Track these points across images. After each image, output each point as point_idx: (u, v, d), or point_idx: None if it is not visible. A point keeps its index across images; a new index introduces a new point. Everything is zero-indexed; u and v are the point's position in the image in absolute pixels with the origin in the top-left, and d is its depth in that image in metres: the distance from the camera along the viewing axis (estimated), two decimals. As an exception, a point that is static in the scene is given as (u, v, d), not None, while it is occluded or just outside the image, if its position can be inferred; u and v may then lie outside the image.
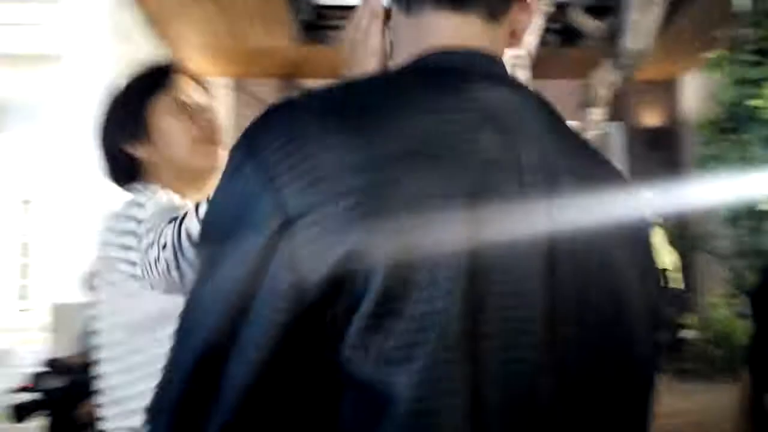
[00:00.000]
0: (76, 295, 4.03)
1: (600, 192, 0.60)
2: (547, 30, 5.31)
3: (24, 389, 2.68)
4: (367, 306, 0.47)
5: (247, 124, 0.58)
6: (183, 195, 1.12)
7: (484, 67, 0.61)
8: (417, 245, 0.48)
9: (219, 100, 6.48)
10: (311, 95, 0.56)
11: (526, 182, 0.54)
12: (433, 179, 0.50)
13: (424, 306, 0.48)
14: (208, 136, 1.16)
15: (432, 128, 0.53)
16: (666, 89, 7.51)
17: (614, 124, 6.92)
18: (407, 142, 0.51)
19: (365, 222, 0.47)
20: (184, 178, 1.15)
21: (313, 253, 0.47)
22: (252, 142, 0.53)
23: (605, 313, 0.56)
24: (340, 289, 0.47)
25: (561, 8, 5.19)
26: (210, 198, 0.55)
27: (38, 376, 2.71)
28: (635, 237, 0.64)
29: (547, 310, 0.52)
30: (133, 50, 5.14)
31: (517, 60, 3.76)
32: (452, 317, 0.48)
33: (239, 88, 6.55)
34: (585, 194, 0.58)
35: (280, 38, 5.54)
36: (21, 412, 2.58)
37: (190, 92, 1.16)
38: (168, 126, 1.13)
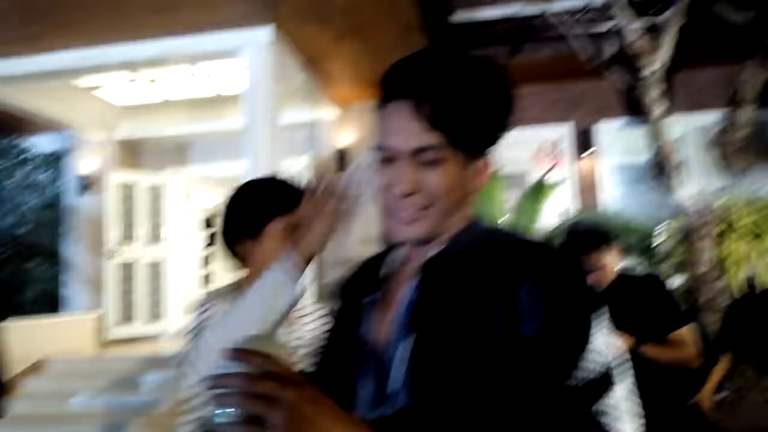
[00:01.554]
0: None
1: None
2: (692, 21, 5.20)
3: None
4: None
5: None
6: None
7: None
8: None
9: (365, 123, 7.02)
10: None
11: None
12: None
13: None
14: None
15: None
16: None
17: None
18: None
19: None
20: None
21: None
22: None
23: None
24: None
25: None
26: None
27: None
28: None
29: None
30: (292, 87, 5.81)
31: (653, 75, 3.81)
32: None
33: (383, 109, 7.02)
34: None
35: (419, 62, 5.93)
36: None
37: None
38: (271, 251, 1.39)
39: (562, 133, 6.89)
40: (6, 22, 4.83)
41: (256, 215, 1.45)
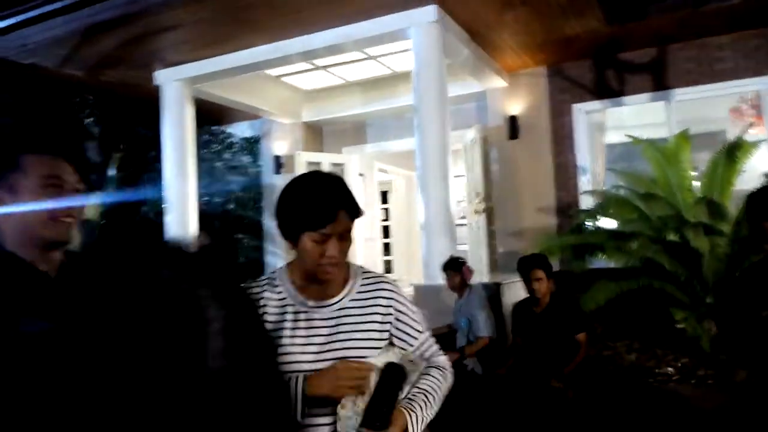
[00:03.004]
0: (437, 278, 4.88)
1: None
2: None
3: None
4: None
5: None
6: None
7: None
8: None
9: (536, 87, 6.84)
10: None
11: None
12: None
13: None
14: None
15: None
16: None
17: None
18: None
19: None
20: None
21: None
22: None
23: None
24: None
25: None
26: None
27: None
28: None
29: None
30: (459, 61, 5.88)
31: None
32: None
33: (554, 73, 6.78)
34: None
35: (591, 22, 5.63)
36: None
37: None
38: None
39: (764, 84, 6.09)
40: (204, 28, 5.52)
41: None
